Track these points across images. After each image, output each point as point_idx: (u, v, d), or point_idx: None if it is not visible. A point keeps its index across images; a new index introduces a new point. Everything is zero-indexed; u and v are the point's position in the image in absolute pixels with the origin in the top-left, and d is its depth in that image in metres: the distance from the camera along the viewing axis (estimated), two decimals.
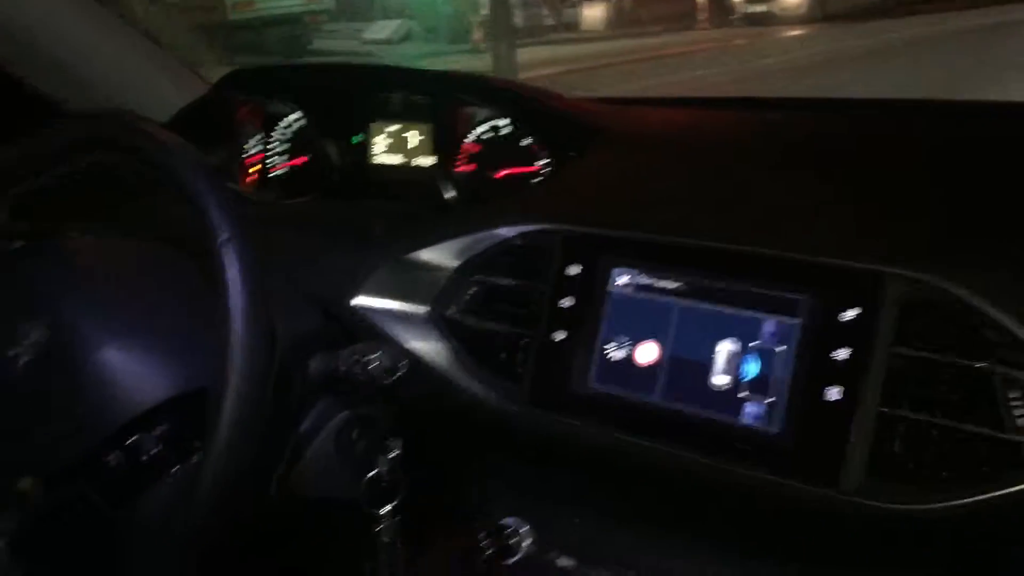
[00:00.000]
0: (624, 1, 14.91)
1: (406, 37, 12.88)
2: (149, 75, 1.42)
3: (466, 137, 1.26)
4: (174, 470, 0.82)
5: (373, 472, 0.97)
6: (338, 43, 12.87)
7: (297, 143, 1.42)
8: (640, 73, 9.88)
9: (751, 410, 0.82)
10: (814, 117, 1.18)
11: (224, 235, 0.76)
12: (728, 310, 0.85)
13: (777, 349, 0.82)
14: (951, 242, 0.79)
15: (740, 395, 0.83)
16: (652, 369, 0.88)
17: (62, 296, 0.85)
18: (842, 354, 0.78)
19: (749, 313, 0.84)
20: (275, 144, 1.43)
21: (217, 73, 1.48)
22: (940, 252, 0.77)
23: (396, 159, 1.33)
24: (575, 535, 1.01)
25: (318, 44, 12.44)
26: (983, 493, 0.71)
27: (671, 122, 1.19)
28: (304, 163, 1.42)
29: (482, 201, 1.18)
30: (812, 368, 0.79)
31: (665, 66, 10.39)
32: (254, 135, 1.44)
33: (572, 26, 14.43)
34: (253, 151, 1.45)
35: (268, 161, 1.44)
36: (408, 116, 1.31)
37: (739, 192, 0.94)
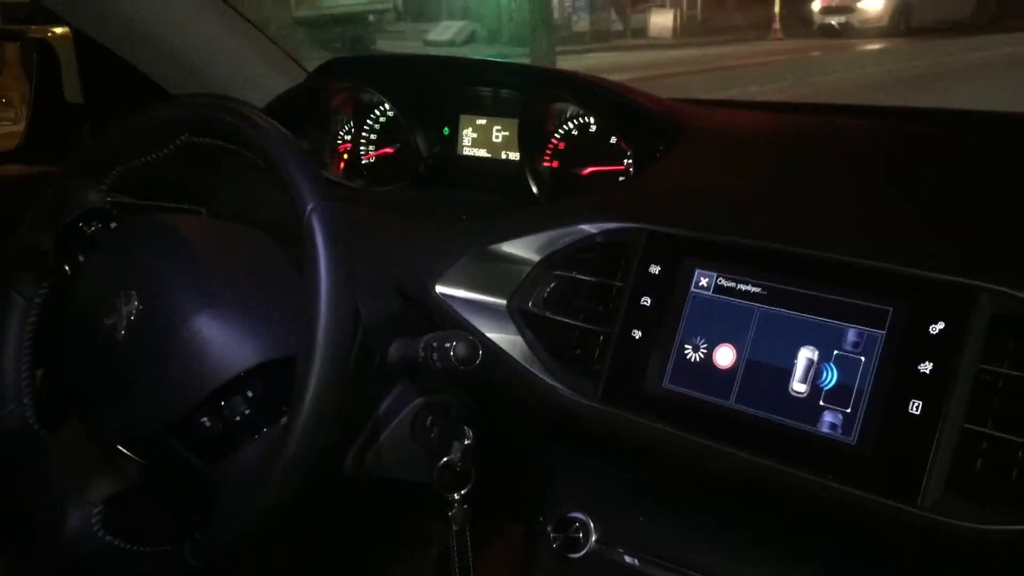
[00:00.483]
0: (695, 8, 14.57)
1: (469, 39, 12.80)
2: (252, 62, 1.46)
3: (554, 133, 1.27)
4: (264, 431, 0.84)
5: (445, 459, 0.99)
6: (401, 44, 12.82)
7: (387, 132, 1.44)
8: (682, 87, 8.53)
9: (830, 419, 0.81)
10: (907, 126, 1.15)
11: (312, 204, 0.78)
12: (811, 317, 0.84)
13: (860, 359, 0.80)
14: None
15: (819, 404, 0.82)
16: (729, 372, 0.87)
17: (157, 268, 0.88)
18: (928, 368, 0.76)
19: (833, 321, 0.83)
20: (366, 132, 1.46)
21: None
22: None
23: (483, 152, 1.34)
24: (641, 534, 1.01)
25: (381, 44, 12.45)
26: None
27: (759, 125, 1.18)
28: (393, 152, 1.44)
29: (567, 197, 1.18)
30: (895, 380, 0.78)
31: (718, 79, 9.33)
32: (346, 123, 1.47)
33: (640, 32, 14.14)
34: (345, 138, 1.48)
35: (359, 149, 1.47)
36: (497, 110, 1.32)
37: (828, 199, 0.93)
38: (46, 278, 1.01)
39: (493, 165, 1.33)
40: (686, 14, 14.43)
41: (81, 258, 0.97)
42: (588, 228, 1.01)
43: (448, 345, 0.90)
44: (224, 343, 0.84)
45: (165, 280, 0.87)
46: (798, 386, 0.83)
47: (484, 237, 1.07)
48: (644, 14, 14.24)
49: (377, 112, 1.44)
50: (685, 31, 13.99)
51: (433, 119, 1.38)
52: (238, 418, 0.85)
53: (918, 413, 0.76)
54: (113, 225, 0.98)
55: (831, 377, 0.82)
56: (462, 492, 1.00)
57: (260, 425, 0.85)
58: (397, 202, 1.31)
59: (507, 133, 1.32)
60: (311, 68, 1.50)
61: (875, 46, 11.76)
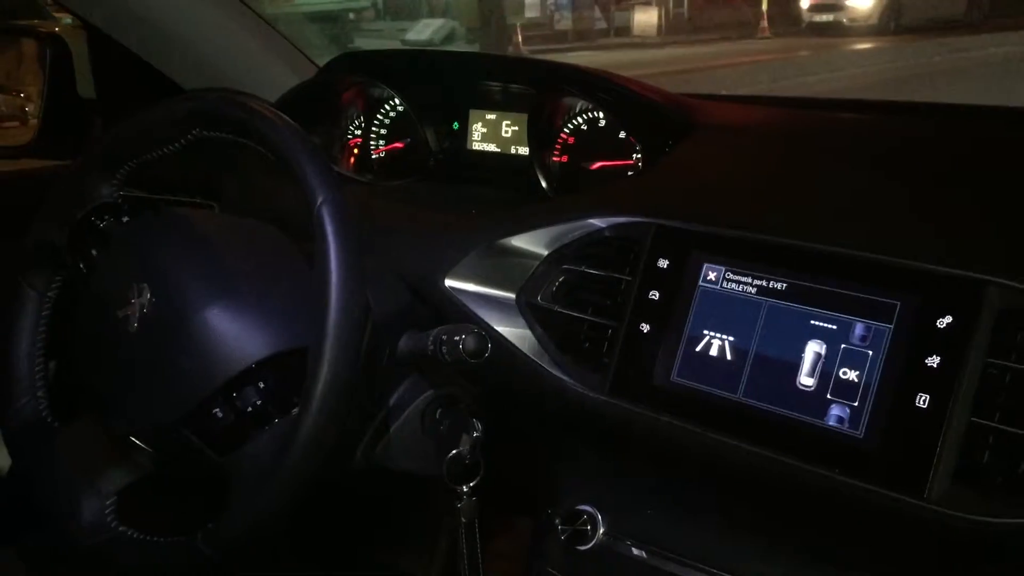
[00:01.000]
0: (682, 6, 14.36)
1: (448, 38, 12.65)
2: (263, 57, 1.47)
3: (563, 128, 1.27)
4: (275, 422, 0.85)
5: (454, 451, 0.99)
6: (379, 43, 12.49)
7: (397, 127, 1.45)
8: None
9: (837, 413, 0.81)
10: (915, 121, 1.15)
11: (322, 197, 0.79)
12: (819, 311, 0.84)
13: (868, 353, 0.81)
14: None
15: (826, 397, 0.82)
16: (737, 366, 0.88)
17: (168, 261, 0.89)
18: (935, 361, 0.76)
19: (840, 315, 0.83)
20: (376, 127, 1.46)
21: None
22: None
23: (493, 147, 1.35)
24: (649, 527, 1.02)
25: (359, 43, 12.10)
26: None
27: (768, 120, 1.18)
28: (403, 147, 1.45)
29: (576, 191, 1.18)
30: (903, 374, 0.78)
31: (687, 81, 8.62)
32: (357, 118, 1.48)
33: (624, 30, 13.91)
34: (355, 133, 1.48)
35: (369, 143, 1.48)
36: (506, 105, 1.32)
37: (836, 194, 0.93)
38: (59, 272, 1.02)
39: (502, 160, 1.34)
40: (672, 12, 14.16)
41: (94, 252, 0.98)
42: (597, 222, 1.01)
43: (458, 338, 0.90)
44: (236, 335, 0.85)
45: (177, 273, 0.88)
46: (806, 379, 0.84)
47: (493, 231, 1.07)
48: (629, 12, 14.03)
49: (387, 107, 1.45)
50: (671, 29, 13.71)
51: (443, 114, 1.38)
52: (250, 409, 0.86)
53: (925, 406, 0.76)
54: (125, 220, 0.99)
55: (840, 371, 0.82)
56: (471, 484, 1.01)
57: (272, 416, 0.86)
58: (407, 196, 1.32)
59: (516, 128, 1.32)
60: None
61: (864, 45, 11.40)
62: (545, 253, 1.04)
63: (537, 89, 1.27)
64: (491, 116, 1.34)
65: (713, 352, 0.90)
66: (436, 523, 1.36)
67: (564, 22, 13.44)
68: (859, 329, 0.82)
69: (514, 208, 1.11)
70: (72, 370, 0.96)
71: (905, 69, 8.94)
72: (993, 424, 0.73)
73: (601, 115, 1.24)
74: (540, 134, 1.28)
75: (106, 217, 0.99)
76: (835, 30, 11.88)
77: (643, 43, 13.11)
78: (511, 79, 1.31)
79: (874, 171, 0.95)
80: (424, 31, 12.62)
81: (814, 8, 12.56)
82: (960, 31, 10.71)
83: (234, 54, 1.44)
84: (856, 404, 0.80)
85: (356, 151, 1.49)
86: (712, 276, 0.91)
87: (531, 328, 1.02)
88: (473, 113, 1.35)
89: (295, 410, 0.80)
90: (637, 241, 0.97)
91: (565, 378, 0.98)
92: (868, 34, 11.60)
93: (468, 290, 1.05)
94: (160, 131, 0.95)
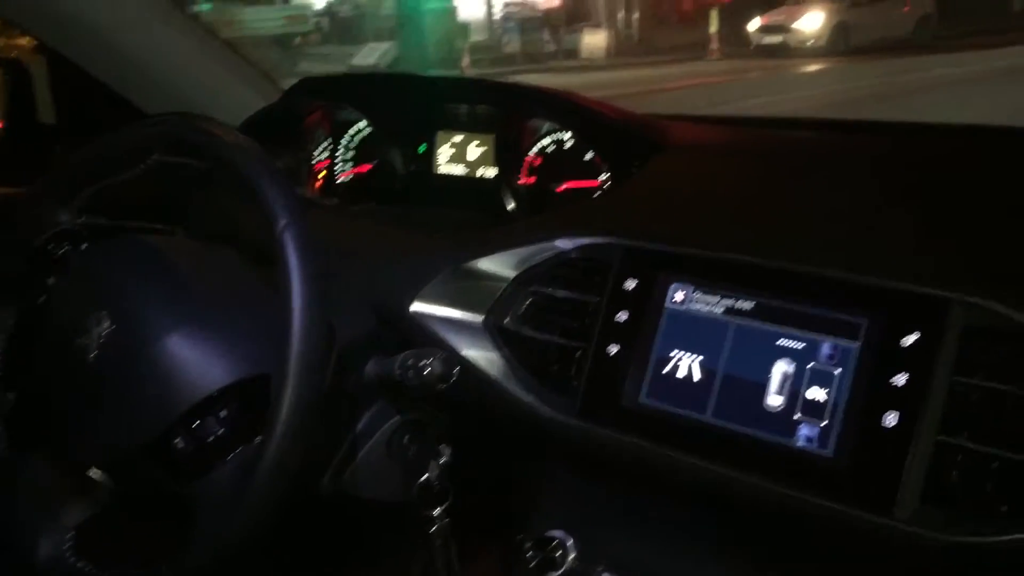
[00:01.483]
0: (632, 28, 14.38)
1: (396, 62, 12.55)
2: (226, 80, 1.46)
3: (529, 149, 1.27)
4: (238, 450, 0.83)
5: (423, 478, 0.98)
6: (325, 67, 12.25)
7: (363, 150, 1.44)
8: None
9: (806, 432, 0.81)
10: (876, 139, 1.16)
11: (284, 221, 0.78)
12: (786, 331, 0.84)
13: (835, 372, 0.80)
14: (1019, 269, 0.77)
15: (795, 417, 0.82)
16: (705, 387, 0.87)
17: (127, 288, 0.88)
18: (902, 380, 0.76)
19: (807, 334, 0.83)
20: (342, 151, 1.45)
21: None
22: (1007, 279, 0.76)
23: (460, 169, 1.34)
24: (620, 551, 1.01)
25: (305, 67, 11.88)
26: None
27: (734, 140, 1.18)
28: (369, 170, 1.44)
29: (543, 213, 1.18)
30: (870, 393, 0.78)
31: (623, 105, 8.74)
32: (322, 141, 1.47)
33: (572, 53, 13.90)
34: (321, 157, 1.47)
35: (335, 167, 1.47)
36: (473, 127, 1.32)
37: (801, 213, 0.93)
38: (17, 301, 1.00)
39: (469, 182, 1.33)
40: (623, 34, 14.23)
41: (52, 280, 0.96)
42: (563, 244, 1.00)
43: (424, 363, 0.89)
44: (196, 363, 0.83)
45: (136, 300, 0.86)
46: (774, 399, 0.83)
47: (460, 254, 1.06)
48: (578, 34, 14.03)
49: (353, 130, 1.44)
50: (621, 51, 13.75)
51: (409, 136, 1.37)
52: (212, 438, 0.84)
53: (893, 425, 0.76)
54: (84, 246, 0.97)
55: (807, 390, 0.82)
56: (440, 511, 0.99)
57: (235, 445, 0.84)
58: (373, 220, 1.31)
59: (483, 150, 1.31)
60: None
61: (814, 67, 11.38)
62: (512, 275, 1.03)
63: (503, 111, 1.27)
64: (457, 138, 1.34)
65: (681, 373, 0.89)
66: (407, 551, 1.34)
67: (512, 44, 13.42)
68: (826, 348, 0.82)
69: (481, 230, 1.11)
70: (31, 401, 0.94)
71: (855, 90, 8.91)
72: (961, 443, 0.73)
73: (568, 136, 1.24)
74: (507, 156, 1.27)
75: (65, 244, 0.97)
76: (784, 51, 11.89)
77: (592, 66, 13.09)
78: (477, 101, 1.31)
79: (839, 190, 0.96)
80: (371, 55, 12.50)
81: (763, 30, 12.59)
82: (909, 52, 10.75)
83: (197, 78, 1.43)
84: (825, 423, 0.80)
85: (322, 175, 1.48)
86: (679, 296, 0.91)
87: (499, 351, 1.01)
88: (440, 135, 1.35)
89: (258, 439, 0.79)
90: (604, 262, 0.96)
91: (534, 401, 0.97)
92: (817, 55, 11.62)
93: (434, 314, 1.04)
94: (120, 156, 0.94)
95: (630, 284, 0.94)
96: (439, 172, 1.36)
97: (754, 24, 12.91)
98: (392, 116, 1.37)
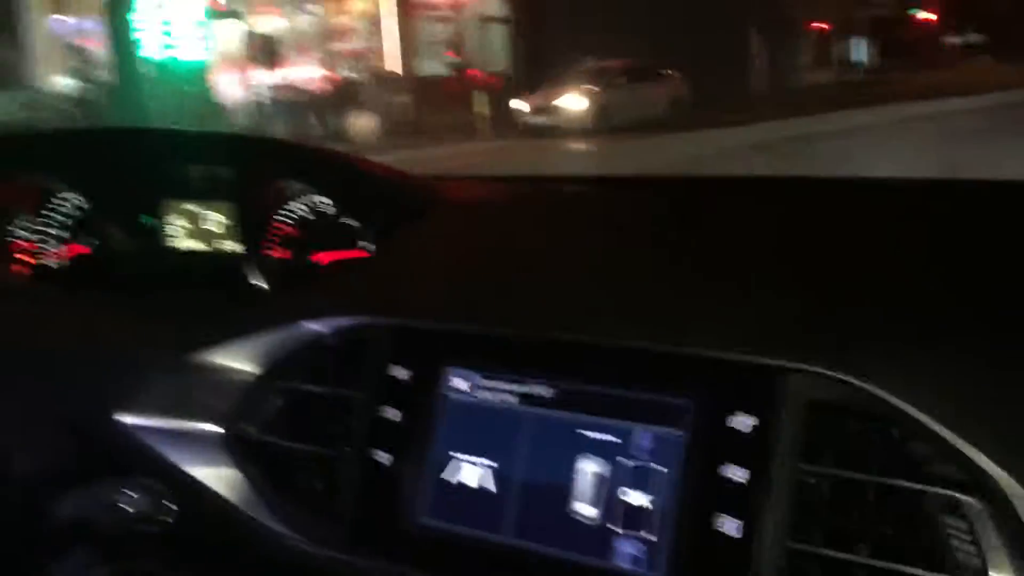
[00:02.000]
0: (406, 109, 14.86)
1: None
2: None
3: (277, 216, 1.07)
4: None
5: None
6: None
7: (76, 226, 1.19)
8: None
9: (626, 550, 0.67)
10: (681, 194, 1.05)
11: None
12: (594, 420, 0.71)
13: (657, 469, 0.66)
14: (864, 335, 0.65)
15: (612, 529, 0.68)
16: (499, 497, 0.74)
17: None
18: (739, 474, 0.62)
19: (621, 423, 0.70)
20: (47, 227, 1.20)
21: None
22: (851, 345, 0.63)
23: (195, 243, 1.12)
24: None
25: None
26: None
27: (515, 198, 1.06)
28: (91, 251, 1.19)
29: (294, 290, 0.99)
30: (702, 494, 0.65)
31: None
32: (19, 216, 1.20)
33: (341, 135, 14.19)
34: (19, 235, 1.20)
35: (41, 247, 1.20)
36: (208, 192, 1.11)
37: (600, 277, 0.81)
38: None
39: (209, 259, 1.12)
40: (394, 115, 14.67)
41: None
42: (316, 327, 0.86)
43: (116, 498, 0.69)
44: None
45: None
46: (584, 508, 0.69)
47: (187, 346, 0.90)
48: (347, 117, 14.33)
49: (58, 201, 1.18)
50: (393, 132, 14.19)
51: (131, 207, 1.14)
52: None
53: (733, 533, 0.62)
54: None
55: (625, 495, 0.68)
56: None
57: None
58: (90, 311, 1.07)
59: (222, 219, 1.10)
60: None
61: (581, 146, 11.86)
62: (256, 370, 0.88)
63: (243, 171, 1.07)
64: (190, 207, 1.12)
65: (470, 482, 0.75)
66: None
67: (279, 127, 13.39)
68: (645, 439, 0.67)
69: (218, 316, 0.92)
70: None
71: (617, 169, 9.38)
72: (815, 550, 0.59)
73: (321, 199, 1.05)
74: (251, 226, 1.08)
75: None
76: (552, 131, 12.65)
77: (362, 148, 13.30)
78: (210, 160, 1.10)
79: (642, 250, 0.83)
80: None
81: (533, 111, 13.36)
82: (664, 130, 11.60)
83: None
84: (652, 538, 0.65)
85: (27, 257, 1.21)
86: (460, 384, 0.77)
87: (241, 470, 0.87)
88: (167, 204, 1.12)
89: None
90: (368, 348, 0.83)
91: (288, 532, 0.83)
92: (582, 135, 12.40)
93: (152, 426, 0.87)
94: None
95: (400, 372, 0.81)
96: (171, 248, 1.13)
97: (517, 104, 13.53)
98: (107, 183, 1.13)
